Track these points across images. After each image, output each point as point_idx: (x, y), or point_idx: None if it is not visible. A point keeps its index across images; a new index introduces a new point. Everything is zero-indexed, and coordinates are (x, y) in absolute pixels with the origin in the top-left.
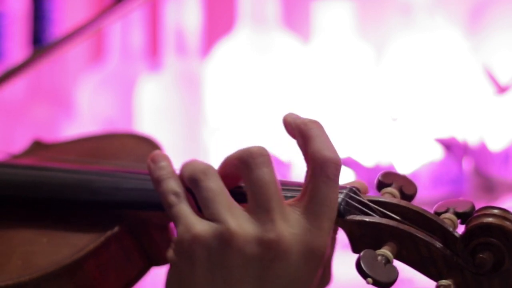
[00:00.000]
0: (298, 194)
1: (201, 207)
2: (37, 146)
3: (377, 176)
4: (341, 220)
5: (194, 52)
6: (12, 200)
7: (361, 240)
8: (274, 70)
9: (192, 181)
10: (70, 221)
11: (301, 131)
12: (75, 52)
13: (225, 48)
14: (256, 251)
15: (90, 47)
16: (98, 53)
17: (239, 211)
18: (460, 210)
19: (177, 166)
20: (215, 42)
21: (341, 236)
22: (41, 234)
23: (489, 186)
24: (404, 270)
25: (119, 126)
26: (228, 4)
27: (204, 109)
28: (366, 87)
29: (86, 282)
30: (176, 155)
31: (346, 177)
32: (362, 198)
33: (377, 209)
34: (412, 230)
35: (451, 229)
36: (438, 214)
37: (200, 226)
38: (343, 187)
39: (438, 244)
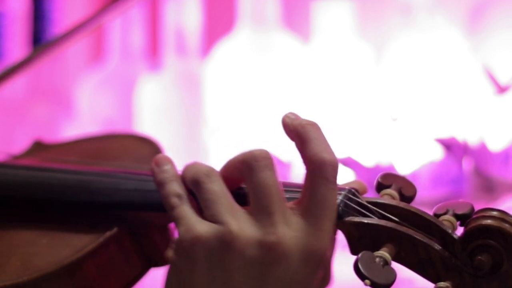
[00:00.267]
0: (298, 196)
1: (203, 209)
2: (38, 147)
3: (377, 177)
4: (339, 221)
5: (194, 52)
6: (12, 201)
7: (360, 241)
8: (274, 70)
9: (194, 183)
10: (70, 222)
11: (298, 133)
12: (75, 51)
13: (225, 48)
14: (257, 254)
15: (90, 47)
16: (98, 53)
17: (240, 213)
18: (459, 212)
19: (177, 166)
20: (215, 42)
21: (341, 237)
22: (41, 235)
23: (489, 186)
24: (403, 270)
25: (119, 126)
26: (228, 4)
27: (204, 109)
28: (366, 87)
29: (85, 283)
30: (176, 155)
31: (346, 177)
32: (361, 200)
33: (376, 211)
34: (411, 231)
35: (449, 231)
36: (437, 215)
37: (201, 227)
38: (342, 188)
39: (437, 246)
